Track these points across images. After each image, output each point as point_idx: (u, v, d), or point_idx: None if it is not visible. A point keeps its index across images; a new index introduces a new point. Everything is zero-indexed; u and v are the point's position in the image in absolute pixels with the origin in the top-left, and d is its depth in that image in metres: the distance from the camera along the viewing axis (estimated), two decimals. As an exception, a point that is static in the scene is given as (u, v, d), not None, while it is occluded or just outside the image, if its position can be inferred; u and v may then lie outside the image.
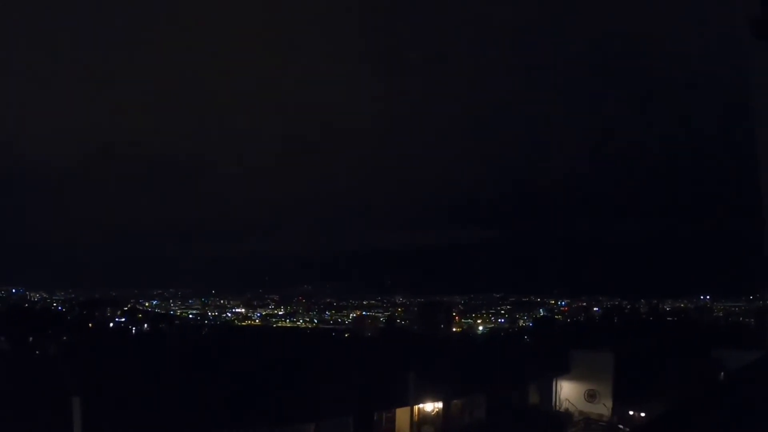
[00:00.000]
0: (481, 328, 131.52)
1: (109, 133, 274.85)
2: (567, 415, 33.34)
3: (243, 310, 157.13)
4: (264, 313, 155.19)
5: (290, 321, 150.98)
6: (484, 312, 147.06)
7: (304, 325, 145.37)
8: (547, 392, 34.57)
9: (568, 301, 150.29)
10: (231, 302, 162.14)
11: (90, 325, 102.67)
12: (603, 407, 33.14)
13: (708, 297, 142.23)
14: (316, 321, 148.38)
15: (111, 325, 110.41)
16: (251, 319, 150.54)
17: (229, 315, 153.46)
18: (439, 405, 29.37)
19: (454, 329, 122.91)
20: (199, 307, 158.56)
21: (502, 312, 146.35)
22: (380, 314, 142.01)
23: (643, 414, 30.53)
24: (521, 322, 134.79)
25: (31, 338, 71.56)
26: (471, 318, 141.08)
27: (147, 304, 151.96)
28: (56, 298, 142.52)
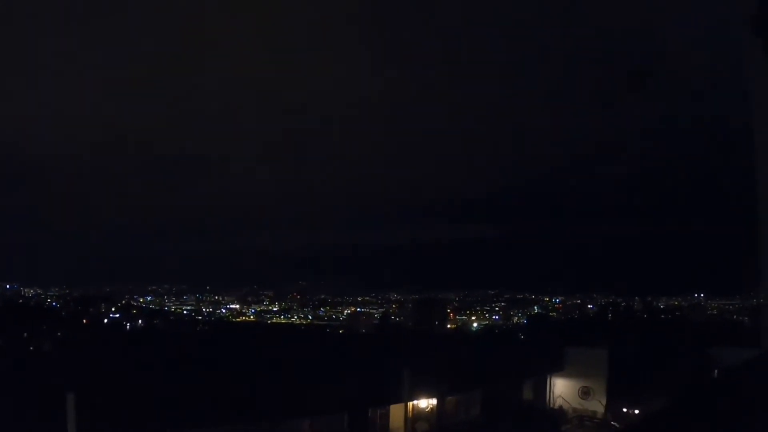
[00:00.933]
0: (475, 325, 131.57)
1: (103, 131, 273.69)
2: (561, 412, 33.44)
3: (238, 306, 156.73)
4: (258, 310, 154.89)
5: (285, 317, 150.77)
6: (478, 309, 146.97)
7: (298, 322, 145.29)
8: (542, 389, 34.64)
9: (563, 298, 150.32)
10: (225, 298, 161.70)
11: (84, 321, 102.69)
12: (597, 404, 33.24)
13: (702, 295, 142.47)
14: (310, 317, 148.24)
15: (105, 321, 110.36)
16: (246, 315, 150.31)
17: (224, 311, 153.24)
18: (434, 402, 29.39)
19: (448, 326, 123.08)
20: (193, 303, 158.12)
21: (497, 309, 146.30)
22: (375, 311, 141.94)
23: (637, 411, 30.63)
24: (516, 319, 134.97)
25: (25, 334, 71.39)
26: (465, 315, 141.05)
27: (141, 300, 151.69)
28: (51, 293, 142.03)
